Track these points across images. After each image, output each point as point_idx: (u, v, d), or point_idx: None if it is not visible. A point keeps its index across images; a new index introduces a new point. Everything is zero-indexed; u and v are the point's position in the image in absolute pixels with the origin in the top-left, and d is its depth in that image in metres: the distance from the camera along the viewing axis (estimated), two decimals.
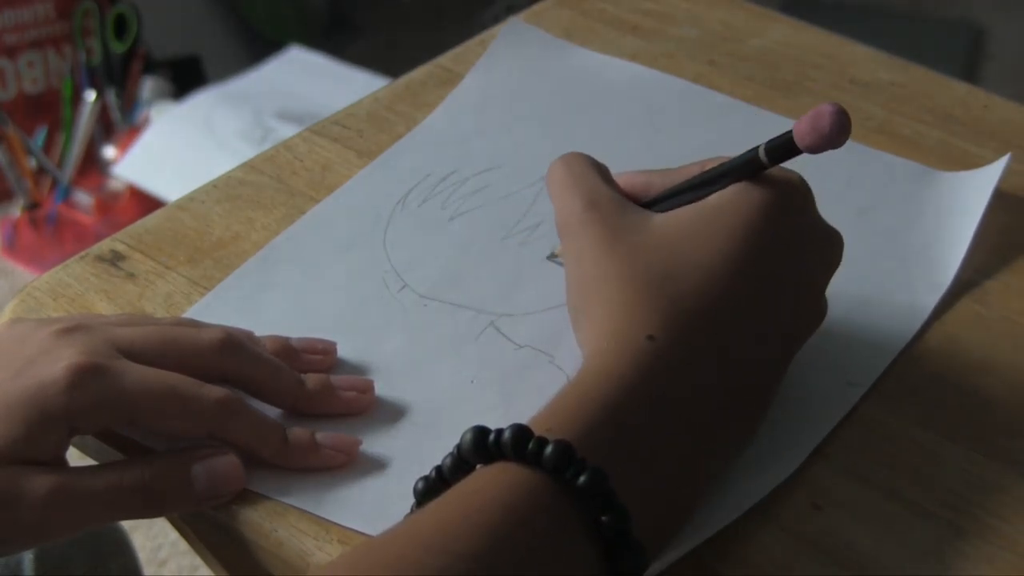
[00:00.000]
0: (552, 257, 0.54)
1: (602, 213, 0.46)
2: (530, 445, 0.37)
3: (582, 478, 0.36)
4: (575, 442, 0.37)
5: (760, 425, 0.45)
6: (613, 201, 0.46)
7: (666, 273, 0.43)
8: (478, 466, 0.39)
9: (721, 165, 0.46)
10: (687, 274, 0.43)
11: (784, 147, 0.43)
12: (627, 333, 0.42)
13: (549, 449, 0.37)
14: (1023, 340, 0.52)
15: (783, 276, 0.45)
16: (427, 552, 0.34)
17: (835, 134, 0.42)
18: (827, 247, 0.47)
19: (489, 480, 0.37)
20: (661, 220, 0.45)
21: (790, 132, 0.43)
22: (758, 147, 0.44)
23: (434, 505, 0.37)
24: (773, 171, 0.45)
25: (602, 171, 0.49)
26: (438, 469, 0.40)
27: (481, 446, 0.38)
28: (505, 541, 0.35)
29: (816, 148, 0.43)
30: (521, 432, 0.37)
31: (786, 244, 0.45)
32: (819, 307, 0.48)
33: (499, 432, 0.38)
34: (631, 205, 0.47)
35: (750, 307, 0.44)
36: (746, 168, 0.45)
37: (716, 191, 0.46)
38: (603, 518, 0.37)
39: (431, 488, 0.40)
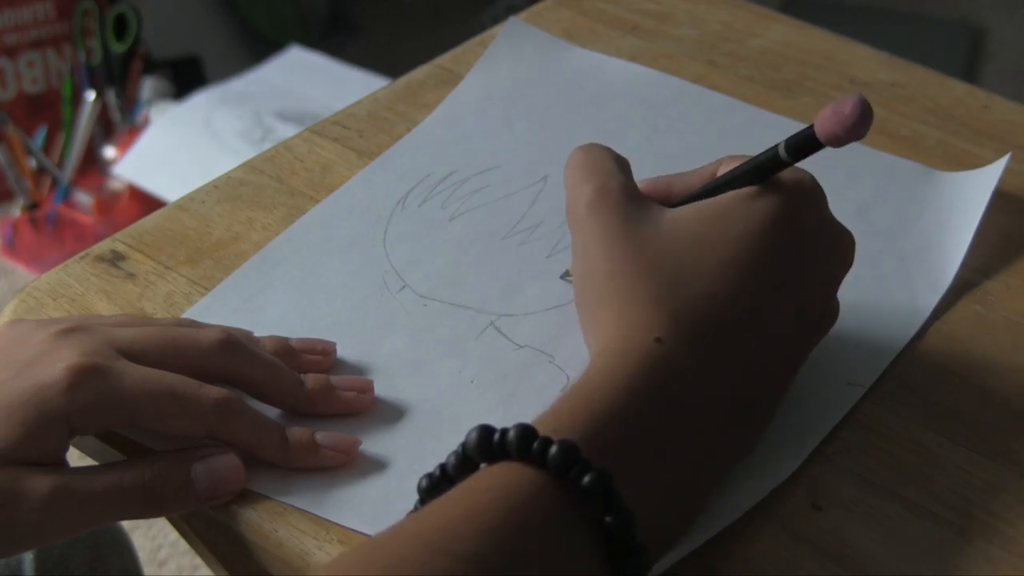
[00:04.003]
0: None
1: (612, 202, 0.45)
2: (535, 445, 0.37)
3: (586, 478, 0.36)
4: (580, 443, 0.37)
5: (768, 428, 0.45)
6: (625, 190, 0.46)
7: (676, 274, 0.43)
8: (482, 465, 0.39)
9: (740, 166, 0.46)
10: (697, 276, 0.43)
11: (805, 143, 0.43)
12: (634, 334, 0.42)
13: (554, 449, 0.37)
14: (1023, 340, 0.52)
15: (794, 279, 0.45)
16: (429, 553, 0.34)
17: (857, 123, 0.41)
18: (838, 247, 0.47)
19: (493, 480, 0.37)
20: (673, 216, 0.45)
21: (810, 127, 0.43)
22: (777, 146, 0.44)
23: (437, 504, 0.37)
24: (784, 172, 0.45)
25: (621, 162, 0.48)
26: (442, 467, 0.40)
27: (486, 445, 0.38)
28: (508, 542, 0.35)
29: (838, 139, 0.42)
30: (526, 432, 0.37)
31: (797, 246, 0.45)
32: (831, 308, 0.48)
33: (504, 431, 0.38)
34: (642, 198, 0.46)
35: (760, 310, 0.43)
36: (766, 168, 0.45)
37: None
38: (607, 519, 0.36)
39: (435, 486, 0.40)
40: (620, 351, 0.41)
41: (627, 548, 0.37)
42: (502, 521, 0.35)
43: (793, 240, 0.45)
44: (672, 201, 0.48)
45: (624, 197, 0.45)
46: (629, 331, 0.42)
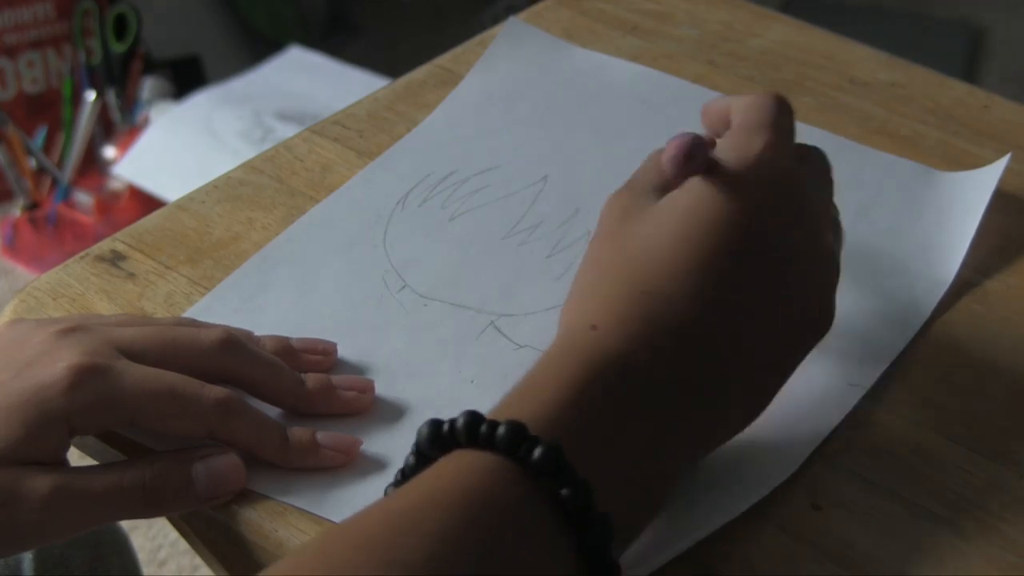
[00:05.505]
0: None
1: (628, 194, 0.46)
2: (482, 428, 0.37)
3: (536, 452, 0.36)
4: (528, 422, 0.37)
5: (750, 418, 0.44)
6: (646, 186, 0.46)
7: (620, 260, 0.43)
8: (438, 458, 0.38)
9: None
10: (636, 259, 0.43)
11: None
12: (575, 325, 0.42)
13: (501, 430, 0.37)
14: (1023, 340, 0.52)
15: (754, 268, 0.43)
16: (396, 533, 0.34)
17: (676, 168, 0.44)
18: (817, 266, 0.46)
19: (448, 468, 0.37)
20: (659, 205, 0.45)
21: None
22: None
23: (399, 491, 0.37)
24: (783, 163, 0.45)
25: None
26: (402, 471, 0.40)
27: (436, 437, 0.38)
28: (472, 521, 0.35)
29: (675, 177, 0.45)
30: (473, 418, 0.37)
31: (754, 240, 0.44)
32: (825, 312, 0.46)
33: (452, 421, 0.38)
34: (658, 192, 0.46)
35: (704, 293, 0.42)
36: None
37: None
38: (563, 492, 0.36)
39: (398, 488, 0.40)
40: (564, 343, 0.42)
41: (588, 519, 0.36)
42: (463, 501, 0.35)
43: (749, 236, 0.44)
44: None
45: (641, 191, 0.46)
46: (571, 321, 0.43)
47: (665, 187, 0.46)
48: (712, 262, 0.43)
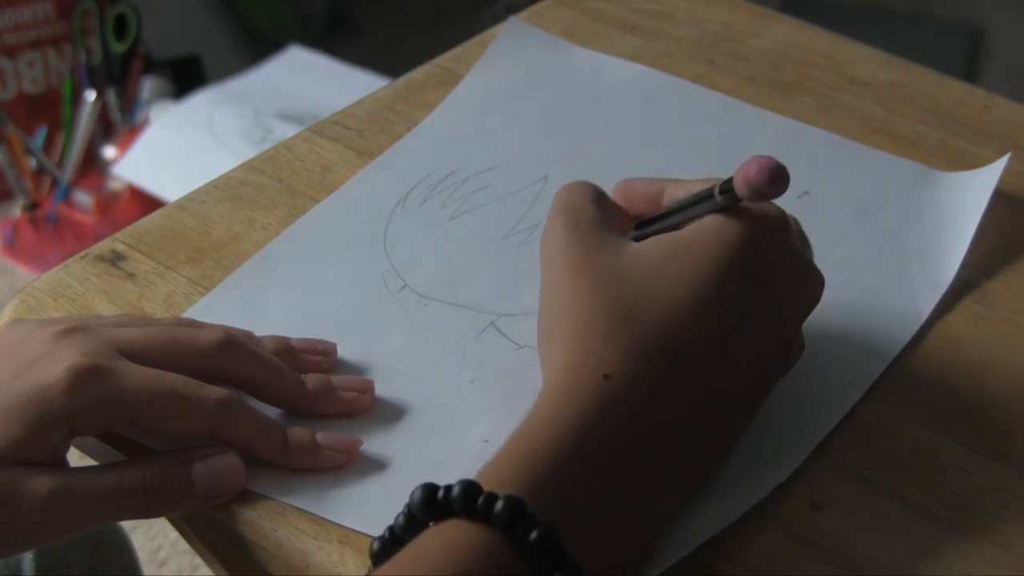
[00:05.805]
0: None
1: (578, 235, 0.45)
2: (479, 501, 0.37)
3: (533, 534, 0.36)
4: (526, 493, 0.37)
5: (728, 459, 0.44)
6: (594, 225, 0.45)
7: (631, 308, 0.42)
8: (430, 523, 0.38)
9: (694, 195, 0.45)
10: (652, 310, 0.42)
11: (732, 192, 0.42)
12: (582, 371, 0.41)
13: (499, 505, 0.36)
14: (1023, 340, 0.52)
15: (753, 313, 0.43)
16: None
17: (765, 185, 0.41)
18: (804, 283, 0.46)
19: (441, 542, 0.37)
20: (635, 250, 0.44)
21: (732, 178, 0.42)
22: (714, 187, 0.44)
23: (389, 568, 0.37)
24: (751, 205, 0.44)
25: (600, 200, 0.48)
26: (391, 529, 0.39)
27: (430, 503, 0.38)
28: None
29: (749, 199, 0.42)
30: (470, 488, 0.37)
31: (758, 281, 0.44)
32: (794, 344, 0.46)
33: (448, 488, 0.37)
34: (612, 231, 0.46)
35: (717, 345, 0.42)
36: (706, 205, 0.44)
37: (692, 217, 0.45)
38: (555, 575, 0.36)
39: (385, 548, 0.39)
40: (567, 389, 0.41)
41: None
42: None
43: (752, 273, 0.43)
44: (647, 215, 0.48)
45: (592, 231, 0.45)
46: (577, 367, 0.41)
47: (608, 222, 0.46)
48: (727, 323, 0.43)
